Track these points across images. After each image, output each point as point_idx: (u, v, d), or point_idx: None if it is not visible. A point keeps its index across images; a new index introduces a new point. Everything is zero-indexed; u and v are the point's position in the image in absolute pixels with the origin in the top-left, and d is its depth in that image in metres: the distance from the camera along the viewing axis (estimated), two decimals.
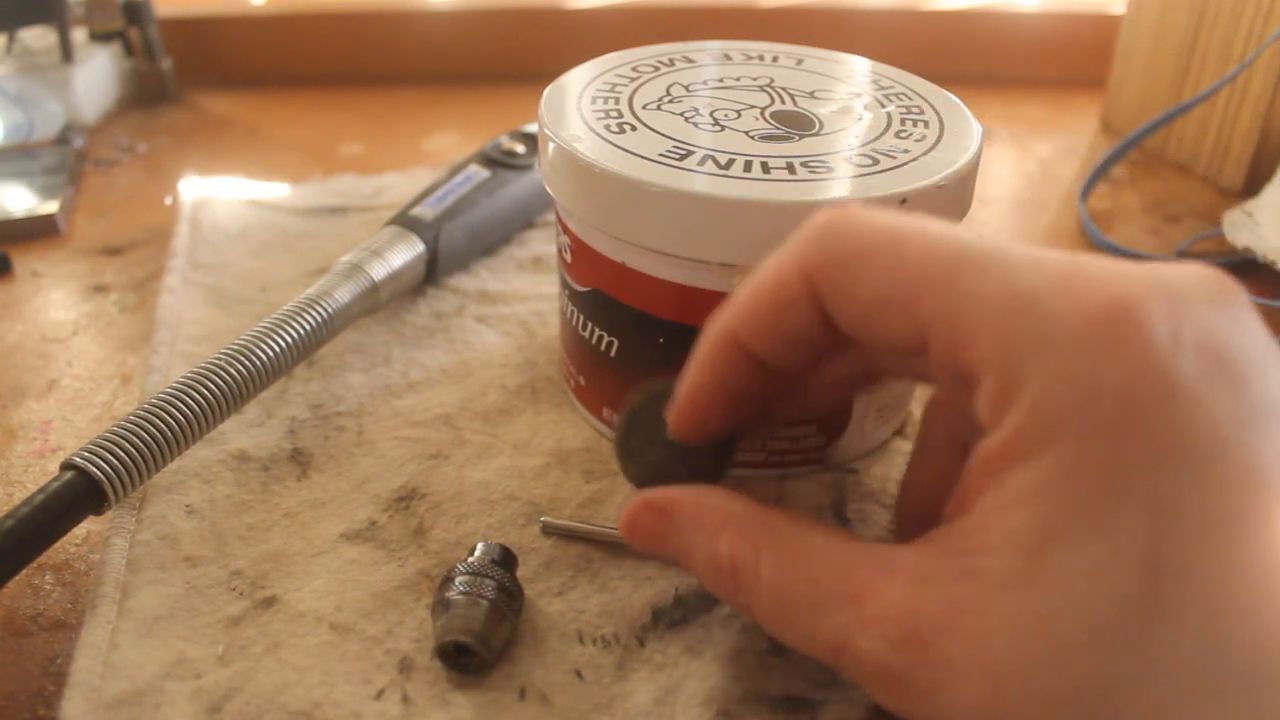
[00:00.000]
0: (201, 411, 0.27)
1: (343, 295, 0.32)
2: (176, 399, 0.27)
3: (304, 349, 0.31)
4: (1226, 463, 0.16)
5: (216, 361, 0.28)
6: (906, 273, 0.18)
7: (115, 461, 0.25)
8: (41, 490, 0.24)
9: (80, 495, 0.25)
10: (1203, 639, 0.15)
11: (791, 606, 0.19)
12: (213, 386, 0.28)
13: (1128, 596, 0.15)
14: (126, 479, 0.25)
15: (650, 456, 0.23)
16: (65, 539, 0.27)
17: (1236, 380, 0.16)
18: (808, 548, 0.19)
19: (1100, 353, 0.16)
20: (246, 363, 0.29)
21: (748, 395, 0.22)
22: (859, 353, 0.22)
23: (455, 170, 0.40)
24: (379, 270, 0.34)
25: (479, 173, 0.40)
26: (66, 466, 0.25)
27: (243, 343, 0.29)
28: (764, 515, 0.20)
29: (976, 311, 0.17)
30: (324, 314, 0.31)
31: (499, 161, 0.40)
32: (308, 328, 0.31)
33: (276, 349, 0.29)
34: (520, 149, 0.41)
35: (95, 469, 0.25)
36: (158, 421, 0.26)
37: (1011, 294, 0.17)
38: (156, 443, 0.26)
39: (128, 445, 0.26)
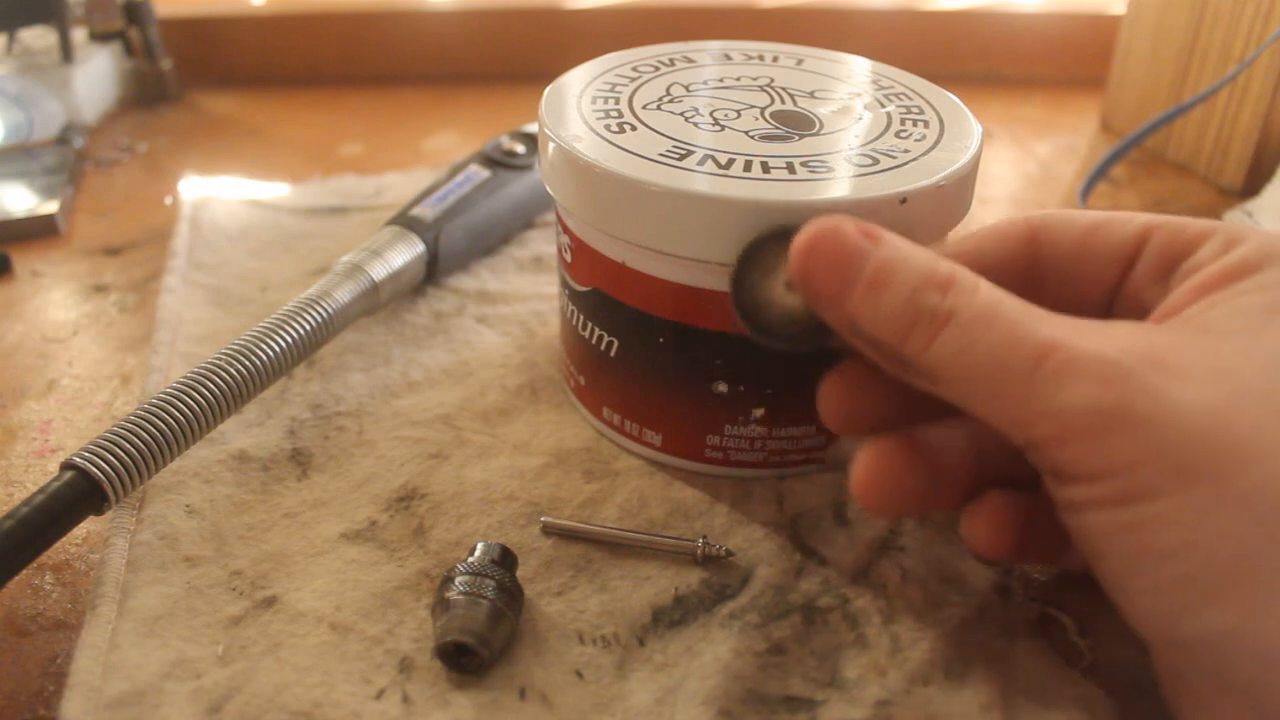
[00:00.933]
0: (201, 412, 0.27)
1: (343, 295, 0.32)
2: (176, 399, 0.27)
3: (304, 349, 0.31)
4: None
5: (216, 362, 0.28)
6: (1113, 213, 0.24)
7: (115, 462, 0.25)
8: (41, 490, 0.24)
9: (80, 495, 0.25)
10: None
11: (1005, 313, 0.19)
12: (213, 387, 0.28)
13: None
14: (127, 479, 0.25)
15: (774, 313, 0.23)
16: (65, 539, 0.27)
17: None
18: (1022, 300, 0.20)
19: None
20: (246, 363, 0.29)
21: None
22: None
23: (455, 170, 0.40)
24: (379, 270, 0.34)
25: (479, 173, 0.40)
26: (67, 466, 0.25)
27: (243, 343, 0.29)
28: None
29: (1187, 219, 0.22)
30: (324, 314, 0.31)
31: (499, 161, 0.40)
32: (308, 328, 0.31)
33: (276, 349, 0.29)
34: (520, 149, 0.41)
35: (95, 469, 0.25)
36: (158, 421, 0.26)
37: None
38: (156, 443, 0.26)
39: (128, 445, 0.26)
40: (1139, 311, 0.22)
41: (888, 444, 0.22)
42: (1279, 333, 0.18)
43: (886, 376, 0.22)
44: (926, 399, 0.21)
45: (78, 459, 0.25)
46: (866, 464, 0.22)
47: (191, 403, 0.27)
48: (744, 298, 0.23)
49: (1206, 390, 0.17)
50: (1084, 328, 0.19)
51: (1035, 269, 0.24)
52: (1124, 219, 0.23)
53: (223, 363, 0.28)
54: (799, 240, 0.21)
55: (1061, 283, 0.23)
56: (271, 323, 0.30)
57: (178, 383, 0.27)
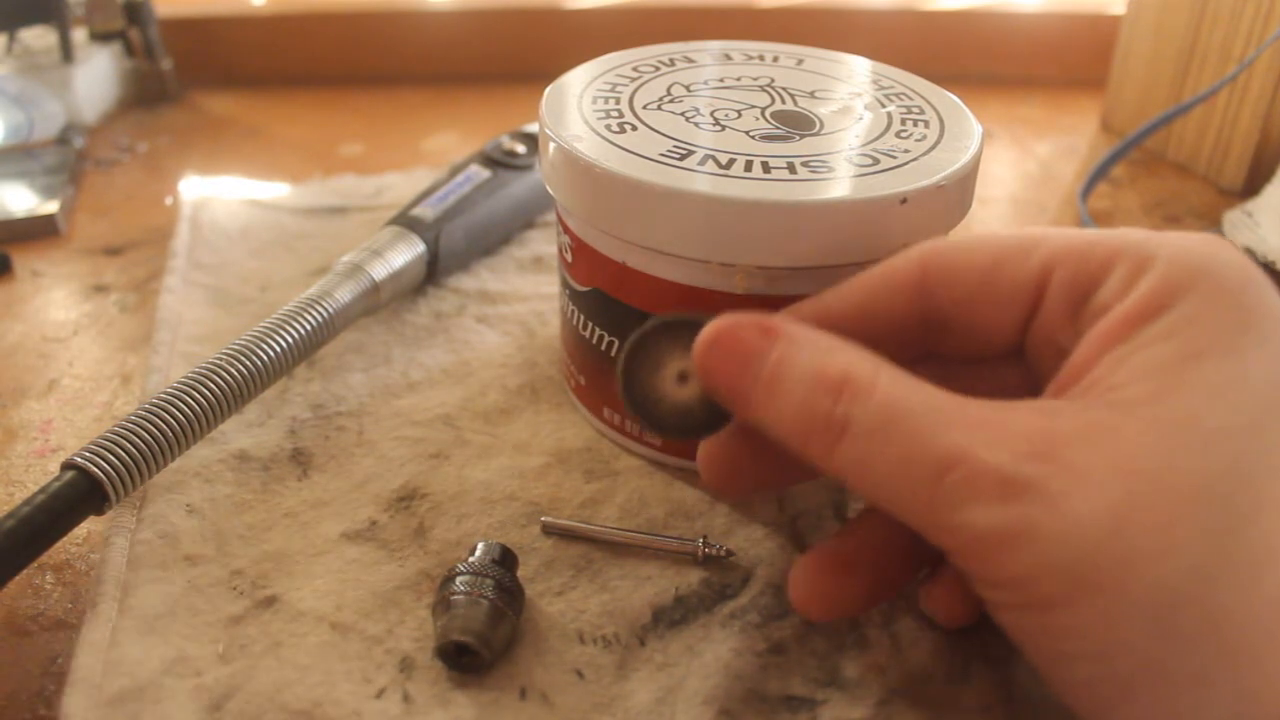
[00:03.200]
0: (202, 411, 0.27)
1: (343, 295, 0.32)
2: (177, 399, 0.27)
3: (305, 349, 0.31)
4: None
5: (217, 361, 0.28)
6: (1014, 239, 0.21)
7: (116, 461, 0.25)
8: (42, 490, 0.24)
9: (81, 495, 0.25)
10: None
11: (903, 420, 0.18)
12: (214, 386, 0.28)
13: (1264, 399, 0.17)
14: (128, 479, 0.25)
15: (666, 408, 0.22)
16: (66, 538, 0.27)
17: None
18: (926, 385, 0.19)
19: (1211, 246, 0.19)
20: (247, 363, 0.29)
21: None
22: None
23: (455, 171, 0.40)
24: (380, 270, 0.34)
25: (479, 173, 0.40)
26: (67, 466, 0.25)
27: (243, 343, 0.29)
28: (879, 355, 0.20)
29: (1091, 237, 0.20)
30: (325, 314, 0.31)
31: (499, 162, 0.40)
32: (308, 328, 0.31)
33: (277, 349, 0.29)
34: (521, 149, 0.41)
35: (96, 469, 0.25)
36: (158, 421, 0.26)
37: (1108, 230, 0.20)
38: (158, 442, 0.26)
39: (129, 445, 0.26)
40: (1051, 354, 0.21)
41: (828, 563, 0.22)
42: (1182, 398, 0.17)
43: (773, 448, 0.21)
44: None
45: (78, 459, 0.25)
46: (810, 587, 0.22)
47: (192, 403, 0.27)
48: (634, 394, 0.22)
49: (1104, 493, 0.16)
50: (987, 422, 0.18)
51: (933, 314, 0.22)
52: (1025, 251, 0.21)
53: (223, 363, 0.28)
54: (700, 339, 0.20)
55: (964, 327, 0.22)
56: (272, 323, 0.30)
57: (178, 383, 0.27)
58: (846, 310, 0.22)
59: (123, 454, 0.25)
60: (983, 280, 0.21)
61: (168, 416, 0.26)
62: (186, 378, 0.28)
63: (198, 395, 0.27)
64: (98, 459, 0.25)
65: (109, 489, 0.25)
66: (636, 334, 0.22)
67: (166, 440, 0.26)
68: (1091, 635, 0.16)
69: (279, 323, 0.30)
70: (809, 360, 0.19)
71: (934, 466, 0.17)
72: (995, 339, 0.22)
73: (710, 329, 0.20)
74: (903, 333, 0.22)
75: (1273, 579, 0.16)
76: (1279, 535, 0.16)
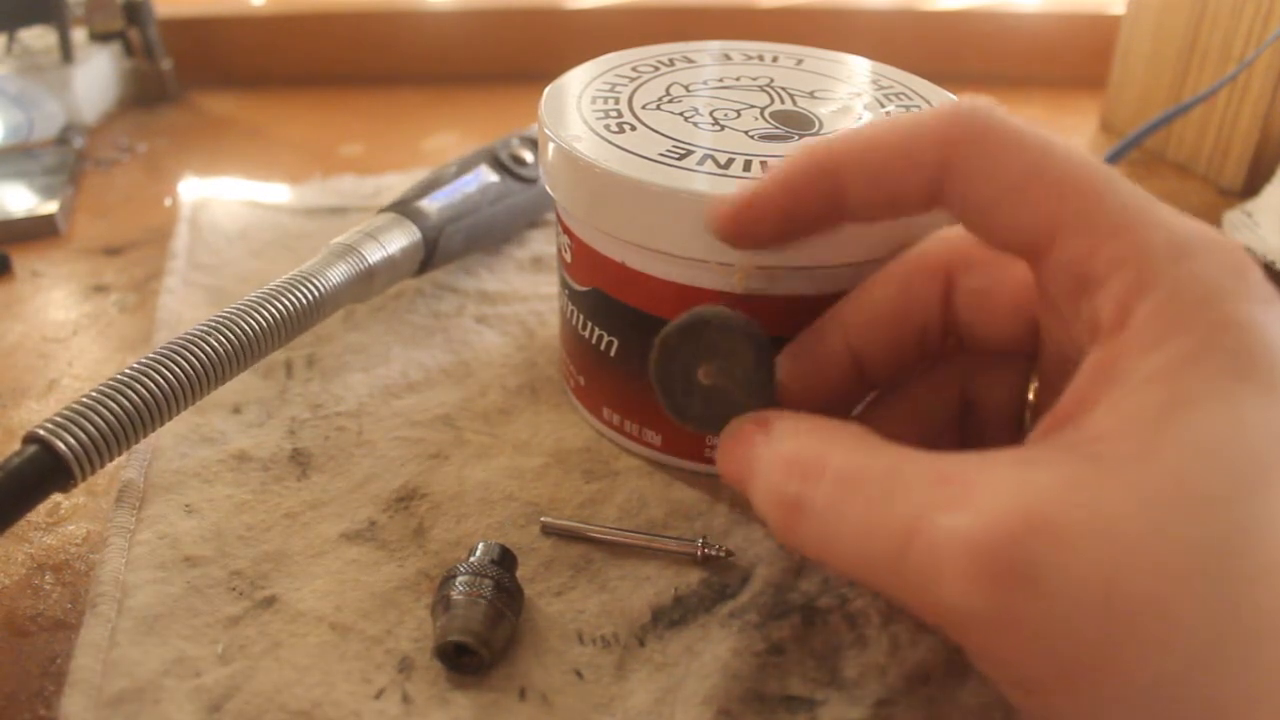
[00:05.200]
0: (179, 385, 0.26)
1: (334, 274, 0.31)
2: (152, 371, 0.25)
3: (291, 326, 0.29)
4: None
5: (196, 334, 0.27)
6: (1050, 168, 0.18)
7: (83, 435, 0.23)
8: (1, 467, 0.23)
9: (44, 472, 0.23)
10: None
11: (859, 490, 0.17)
12: (191, 360, 0.26)
13: (1259, 456, 0.15)
14: (95, 454, 0.24)
15: (693, 399, 0.22)
16: (65, 539, 0.27)
17: None
18: (886, 445, 0.18)
19: (1231, 264, 0.17)
20: (228, 336, 0.27)
21: (805, 224, 0.21)
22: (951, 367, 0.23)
23: (463, 167, 0.39)
24: (374, 254, 0.32)
25: (487, 175, 0.39)
26: (30, 439, 0.23)
27: (225, 316, 0.28)
28: (843, 424, 0.19)
29: (1119, 215, 0.18)
30: (313, 291, 0.30)
31: (508, 169, 0.39)
32: (295, 304, 0.29)
33: (261, 324, 0.28)
34: (529, 157, 0.40)
35: (60, 443, 0.23)
36: (131, 395, 0.25)
37: (1152, 212, 0.18)
38: (130, 416, 0.24)
39: (98, 419, 0.24)
40: (1052, 320, 0.20)
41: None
42: (1171, 458, 0.15)
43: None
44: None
45: (41, 430, 0.23)
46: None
47: (169, 375, 0.25)
48: (673, 396, 0.22)
49: (1091, 566, 0.15)
50: (952, 479, 0.16)
51: (947, 195, 0.20)
52: (1043, 192, 0.18)
53: (202, 336, 0.27)
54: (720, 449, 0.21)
55: (974, 223, 0.20)
56: (257, 297, 0.29)
57: (153, 354, 0.26)
58: (857, 173, 0.20)
59: (90, 428, 0.24)
60: (993, 201, 0.19)
61: (141, 389, 0.25)
62: (162, 349, 0.26)
63: (174, 368, 0.26)
64: (63, 432, 0.23)
65: (74, 466, 0.23)
66: (667, 336, 0.22)
67: (139, 414, 0.25)
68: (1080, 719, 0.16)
69: (265, 297, 0.29)
70: (775, 446, 0.19)
71: (895, 538, 0.16)
72: (995, 243, 0.20)
73: (724, 434, 0.21)
74: (917, 201, 0.20)
75: (1269, 655, 0.15)
76: (1273, 605, 0.15)
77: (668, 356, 0.22)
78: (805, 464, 0.18)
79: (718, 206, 0.21)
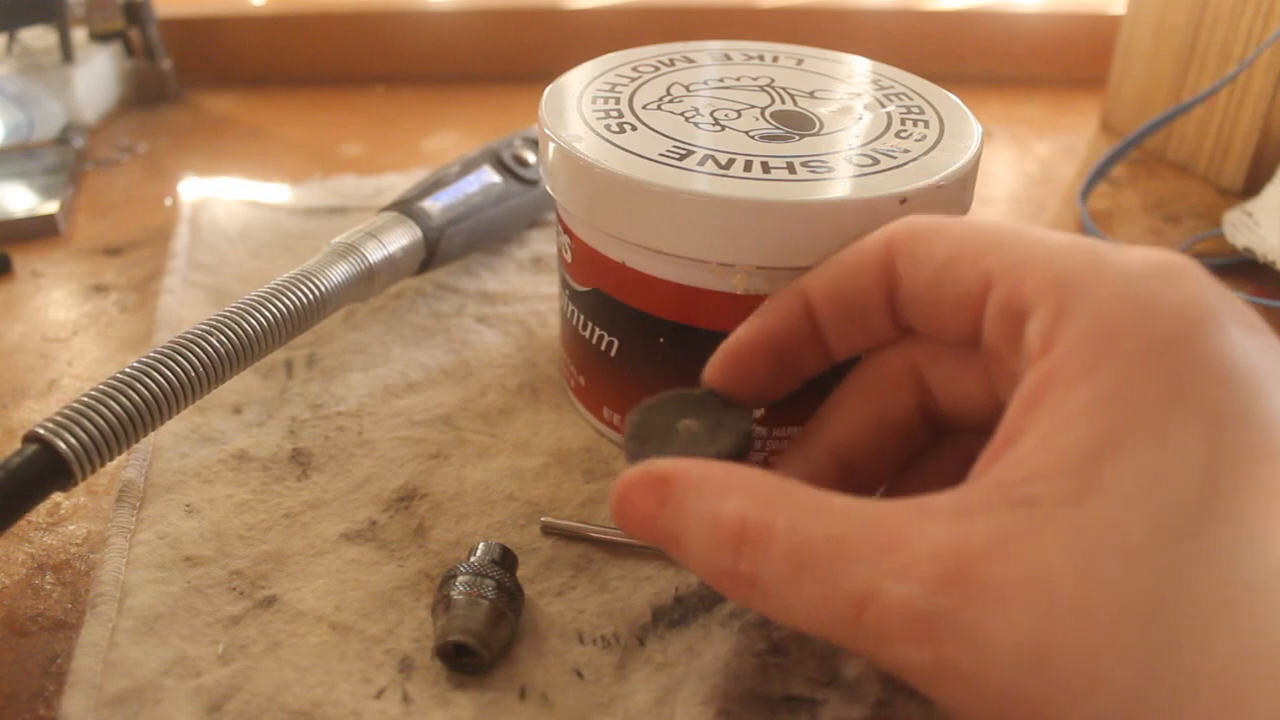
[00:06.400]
0: (180, 384, 0.26)
1: (336, 273, 0.31)
2: (153, 370, 0.25)
3: (292, 325, 0.29)
4: (1274, 395, 0.16)
5: (197, 333, 0.27)
6: (976, 235, 0.20)
7: (84, 435, 0.23)
8: (1, 466, 0.23)
9: (44, 472, 0.23)
10: (1263, 541, 0.15)
11: (808, 563, 0.17)
12: (192, 359, 0.26)
13: (1187, 502, 0.15)
14: (95, 454, 0.24)
15: (660, 444, 0.22)
16: (65, 539, 0.27)
17: (1265, 334, 0.17)
18: (829, 506, 0.18)
19: (1155, 280, 0.17)
20: (229, 335, 0.27)
21: (794, 359, 0.22)
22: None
23: (466, 168, 0.38)
24: (375, 253, 0.32)
25: (490, 177, 0.39)
26: (30, 439, 0.23)
27: (226, 314, 0.28)
28: (779, 480, 0.19)
29: (1040, 251, 0.19)
30: (314, 290, 0.30)
31: (511, 170, 0.39)
32: (296, 303, 0.29)
33: (262, 323, 0.28)
34: (532, 159, 0.40)
35: (61, 442, 0.23)
36: (132, 394, 0.25)
37: (1070, 242, 0.19)
38: (130, 416, 0.24)
39: (98, 418, 0.24)
40: (1002, 377, 0.20)
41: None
42: (1102, 503, 0.16)
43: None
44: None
45: (42, 430, 0.23)
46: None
47: (169, 374, 0.25)
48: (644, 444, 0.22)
49: (1023, 619, 0.15)
50: (895, 544, 0.17)
51: (898, 296, 0.21)
52: (976, 255, 0.20)
53: (203, 334, 0.27)
54: (610, 501, 0.20)
55: (926, 317, 0.21)
56: (259, 296, 0.29)
57: (154, 353, 0.26)
58: (824, 292, 0.22)
59: (91, 427, 0.24)
60: (935, 277, 0.20)
61: (142, 389, 0.25)
62: (162, 349, 0.26)
63: (174, 367, 0.26)
64: (64, 431, 0.23)
65: (74, 466, 0.23)
66: (637, 412, 0.22)
67: (140, 413, 0.25)
68: None
69: (265, 296, 0.29)
70: (704, 510, 0.18)
71: (848, 606, 0.17)
72: (954, 333, 0.21)
73: (613, 494, 0.20)
74: (875, 315, 0.22)
75: (1203, 709, 0.15)
76: (1201, 657, 0.15)
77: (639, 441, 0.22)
78: (752, 533, 0.18)
79: (712, 362, 0.23)
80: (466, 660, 0.23)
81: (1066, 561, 0.15)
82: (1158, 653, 0.15)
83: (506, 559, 0.24)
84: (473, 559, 0.24)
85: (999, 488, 0.17)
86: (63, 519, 0.28)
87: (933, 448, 0.24)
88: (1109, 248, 0.18)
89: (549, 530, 0.27)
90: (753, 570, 0.18)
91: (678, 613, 0.25)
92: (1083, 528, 0.15)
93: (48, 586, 0.26)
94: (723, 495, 0.18)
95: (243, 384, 0.32)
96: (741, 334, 0.23)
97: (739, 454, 0.21)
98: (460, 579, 0.23)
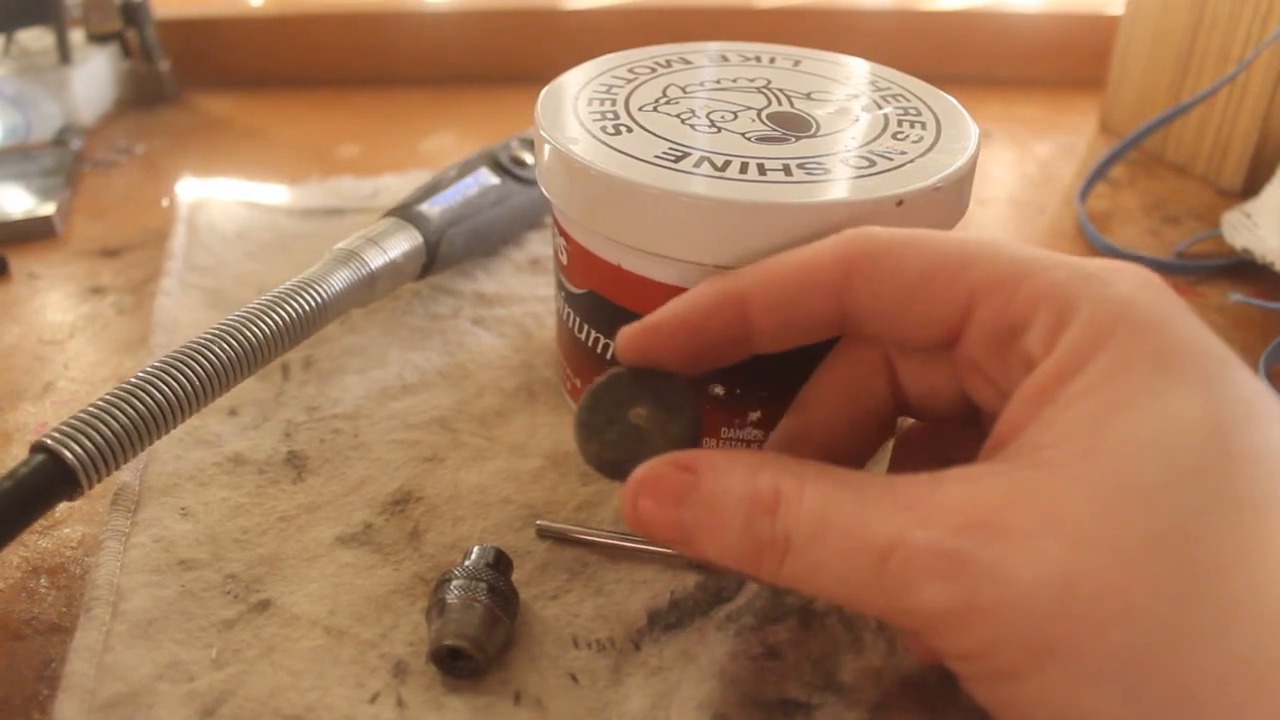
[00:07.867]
0: (184, 394, 0.26)
1: (337, 281, 0.31)
2: (158, 380, 0.25)
3: (294, 333, 0.29)
4: (1240, 369, 0.18)
5: (200, 343, 0.27)
6: (947, 254, 0.20)
7: (90, 445, 0.24)
8: (9, 475, 0.23)
9: (51, 481, 0.23)
10: (1274, 480, 0.16)
11: (837, 518, 0.18)
12: (196, 368, 0.26)
13: (1197, 447, 0.16)
14: (101, 463, 0.24)
15: (613, 434, 0.22)
16: (60, 543, 0.27)
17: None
18: (854, 478, 0.19)
19: (1137, 284, 0.19)
20: (232, 345, 0.27)
21: (714, 352, 0.22)
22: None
23: (464, 170, 0.38)
24: (376, 259, 0.32)
25: (488, 179, 0.38)
26: (37, 448, 0.24)
27: (229, 324, 0.28)
28: (799, 459, 0.20)
29: (1024, 265, 0.19)
30: (316, 298, 0.30)
31: (509, 171, 0.39)
32: (298, 312, 0.29)
33: (264, 332, 0.28)
34: (530, 159, 0.40)
35: (68, 452, 0.23)
36: (137, 403, 0.25)
37: (1044, 254, 0.20)
38: (135, 425, 0.25)
39: (104, 428, 0.24)
40: (979, 382, 0.21)
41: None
42: (1111, 455, 0.16)
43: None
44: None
45: (48, 440, 0.23)
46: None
47: (174, 384, 0.26)
48: (592, 444, 0.22)
49: (1047, 556, 0.16)
50: (917, 502, 0.17)
51: (854, 314, 0.21)
52: (954, 272, 0.20)
53: (207, 344, 0.27)
54: (626, 492, 0.20)
55: (890, 329, 0.21)
56: (260, 305, 0.29)
57: (158, 363, 0.26)
58: (766, 303, 0.21)
59: (97, 437, 0.24)
60: (905, 296, 0.20)
61: (147, 398, 0.25)
62: (167, 358, 0.26)
63: (179, 376, 0.26)
64: (70, 441, 0.23)
65: (80, 475, 0.23)
66: (589, 390, 0.22)
67: (146, 422, 0.25)
68: (1056, 704, 0.16)
69: (268, 304, 0.29)
70: (740, 485, 0.19)
71: (875, 556, 0.17)
72: (917, 343, 0.21)
73: (633, 481, 0.20)
74: (820, 327, 0.21)
75: (1239, 636, 0.15)
76: (1243, 588, 0.15)
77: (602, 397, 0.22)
78: (785, 495, 0.19)
79: (627, 329, 0.22)
80: (461, 664, 0.22)
81: (1086, 505, 0.16)
82: (1188, 583, 0.15)
83: (501, 562, 0.24)
84: (468, 562, 0.24)
85: (1008, 459, 0.18)
86: (57, 522, 0.28)
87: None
88: (1076, 259, 0.20)
89: (544, 534, 0.27)
90: (786, 530, 0.19)
91: (673, 617, 0.24)
92: (1099, 475, 0.16)
93: (42, 590, 0.26)
94: (756, 472, 0.19)
95: (239, 386, 0.32)
96: (660, 319, 0.22)
97: (695, 438, 0.22)
98: (455, 583, 0.23)
